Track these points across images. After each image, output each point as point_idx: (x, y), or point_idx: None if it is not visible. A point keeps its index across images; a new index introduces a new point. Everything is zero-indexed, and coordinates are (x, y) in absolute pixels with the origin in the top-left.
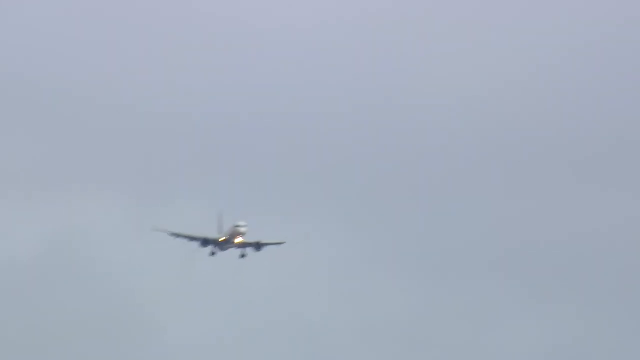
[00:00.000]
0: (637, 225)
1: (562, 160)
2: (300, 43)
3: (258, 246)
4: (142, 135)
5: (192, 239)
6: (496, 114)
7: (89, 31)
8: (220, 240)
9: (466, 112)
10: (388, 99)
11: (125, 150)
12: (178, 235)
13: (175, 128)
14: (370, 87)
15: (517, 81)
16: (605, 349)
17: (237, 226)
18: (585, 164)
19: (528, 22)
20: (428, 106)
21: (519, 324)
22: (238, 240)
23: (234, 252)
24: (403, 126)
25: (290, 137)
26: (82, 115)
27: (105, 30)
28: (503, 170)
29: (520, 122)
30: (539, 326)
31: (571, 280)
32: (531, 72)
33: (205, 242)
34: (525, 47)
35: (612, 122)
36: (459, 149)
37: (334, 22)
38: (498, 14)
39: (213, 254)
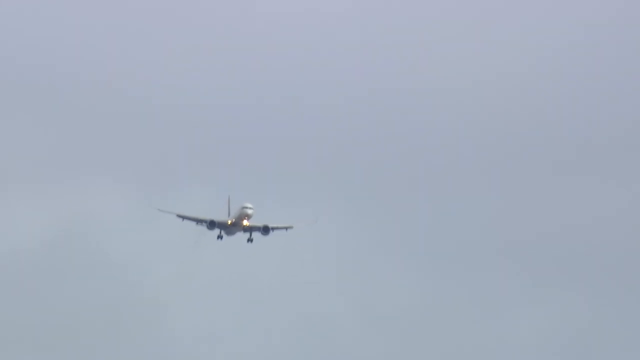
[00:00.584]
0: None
1: (567, 154)
2: (305, 40)
3: (266, 230)
4: (152, 121)
5: (199, 221)
6: (503, 103)
7: (100, 23)
8: (228, 222)
9: (471, 106)
10: (396, 88)
11: (135, 138)
12: (185, 217)
13: (185, 114)
14: (377, 77)
15: (518, 81)
16: (608, 337)
17: (244, 207)
18: (587, 158)
19: (528, 22)
20: (437, 94)
21: (524, 313)
22: (245, 222)
23: (241, 236)
24: (411, 114)
25: (302, 125)
26: (90, 104)
27: (116, 23)
28: (512, 163)
29: (522, 116)
30: (544, 315)
31: (575, 271)
32: (531, 72)
33: (212, 224)
34: (526, 47)
35: (613, 119)
36: (469, 139)
37: (335, 21)
38: (499, 14)
39: (220, 237)
